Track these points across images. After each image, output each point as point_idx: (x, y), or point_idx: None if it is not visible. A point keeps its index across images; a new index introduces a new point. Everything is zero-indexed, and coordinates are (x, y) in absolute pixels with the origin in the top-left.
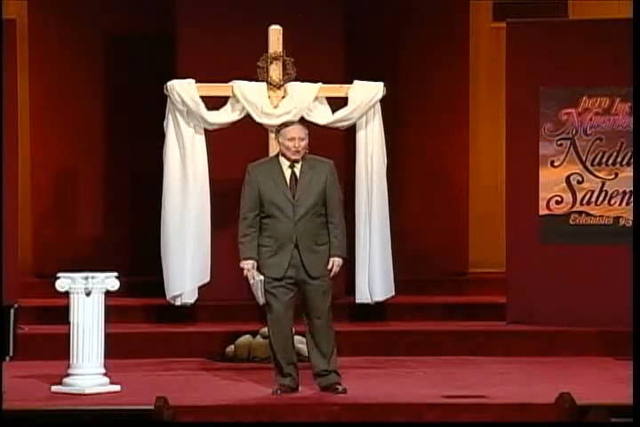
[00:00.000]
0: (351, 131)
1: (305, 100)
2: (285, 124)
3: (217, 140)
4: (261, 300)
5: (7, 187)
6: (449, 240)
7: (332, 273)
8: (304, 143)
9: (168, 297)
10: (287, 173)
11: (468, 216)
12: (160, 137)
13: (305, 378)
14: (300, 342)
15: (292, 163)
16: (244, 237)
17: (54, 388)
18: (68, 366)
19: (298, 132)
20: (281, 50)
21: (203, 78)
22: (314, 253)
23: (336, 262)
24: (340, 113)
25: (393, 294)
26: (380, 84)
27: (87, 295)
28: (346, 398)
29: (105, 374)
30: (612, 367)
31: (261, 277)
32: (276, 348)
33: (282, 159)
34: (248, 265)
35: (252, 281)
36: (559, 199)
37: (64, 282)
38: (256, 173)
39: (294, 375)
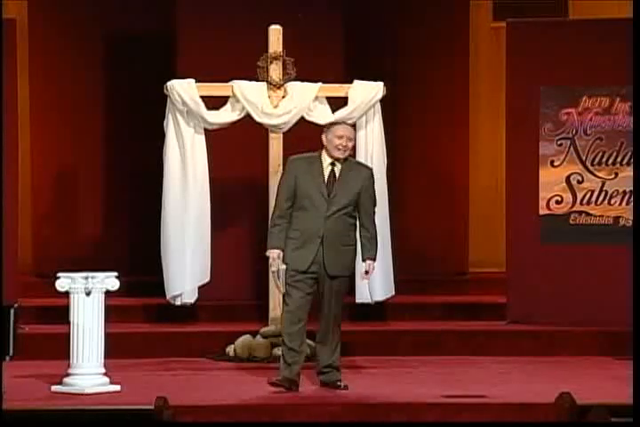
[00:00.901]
0: None
1: (305, 100)
2: (335, 123)
3: (217, 140)
4: (282, 288)
5: (7, 187)
6: (449, 240)
7: (369, 275)
8: (351, 144)
9: (168, 297)
10: (327, 170)
11: (468, 216)
12: (160, 137)
13: (305, 378)
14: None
15: (334, 161)
16: (274, 226)
17: (54, 388)
18: (68, 366)
19: (347, 131)
20: (281, 50)
21: (203, 78)
22: (337, 252)
23: (372, 265)
24: (340, 113)
25: (393, 293)
26: (380, 84)
27: (87, 295)
28: (346, 398)
29: (105, 374)
30: (612, 367)
31: (283, 267)
32: (285, 337)
33: (324, 156)
34: (274, 254)
35: (273, 269)
36: (559, 199)
37: (64, 282)
38: (296, 166)
39: (295, 367)
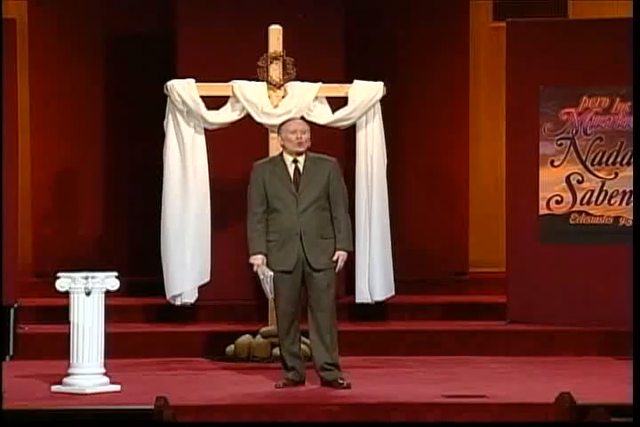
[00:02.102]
0: (351, 131)
1: (305, 100)
2: (287, 120)
3: (217, 140)
4: (270, 294)
5: (7, 187)
6: (449, 240)
7: (338, 267)
8: (306, 136)
9: (168, 297)
10: (291, 168)
11: (468, 216)
12: (160, 137)
13: (306, 377)
14: (303, 343)
15: (296, 158)
16: (253, 232)
17: (54, 388)
18: (69, 366)
19: (299, 125)
20: (281, 50)
21: (203, 78)
22: (317, 246)
23: (341, 256)
24: (340, 113)
25: (393, 293)
26: (380, 84)
27: (87, 295)
28: (346, 398)
29: (105, 374)
30: (612, 367)
31: (271, 273)
32: (281, 340)
33: (285, 156)
34: (257, 260)
35: (261, 276)
36: (559, 199)
37: (64, 282)
38: (261, 171)
39: (298, 369)
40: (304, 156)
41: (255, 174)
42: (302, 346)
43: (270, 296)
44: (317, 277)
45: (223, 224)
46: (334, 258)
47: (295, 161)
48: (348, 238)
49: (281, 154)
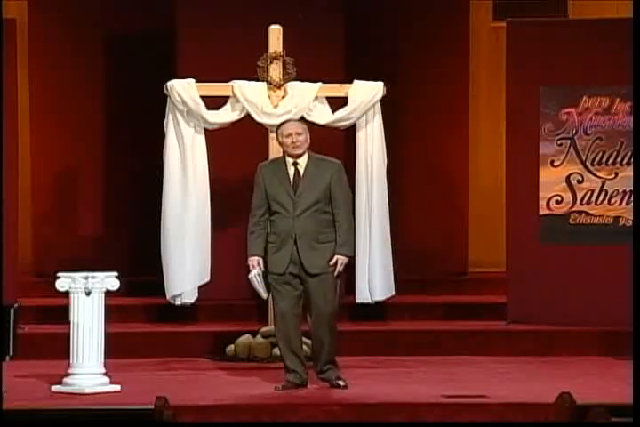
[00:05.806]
0: (351, 131)
1: (305, 100)
2: (282, 123)
3: (217, 140)
4: (263, 294)
5: (7, 187)
6: (449, 240)
7: (336, 271)
8: (302, 138)
9: (168, 297)
10: (291, 170)
11: (468, 216)
12: (160, 137)
13: (308, 380)
14: (304, 343)
15: (296, 160)
16: (251, 234)
17: (54, 388)
18: (69, 366)
19: (293, 127)
20: (281, 50)
21: (203, 78)
22: (313, 250)
23: (339, 261)
24: (340, 113)
25: (393, 293)
26: (380, 84)
27: (87, 295)
28: (346, 399)
29: (105, 374)
30: (612, 367)
31: (256, 272)
32: (281, 343)
33: (287, 158)
34: (253, 262)
35: (249, 275)
36: (559, 199)
37: (64, 282)
38: (264, 172)
39: (299, 371)
40: (306, 157)
41: (257, 176)
42: (304, 347)
43: (265, 295)
44: (313, 282)
45: (223, 224)
46: (332, 262)
47: (295, 163)
48: (349, 243)
49: (284, 155)
